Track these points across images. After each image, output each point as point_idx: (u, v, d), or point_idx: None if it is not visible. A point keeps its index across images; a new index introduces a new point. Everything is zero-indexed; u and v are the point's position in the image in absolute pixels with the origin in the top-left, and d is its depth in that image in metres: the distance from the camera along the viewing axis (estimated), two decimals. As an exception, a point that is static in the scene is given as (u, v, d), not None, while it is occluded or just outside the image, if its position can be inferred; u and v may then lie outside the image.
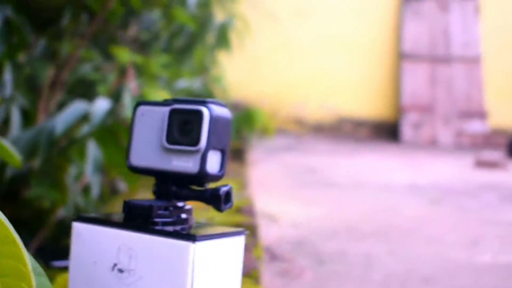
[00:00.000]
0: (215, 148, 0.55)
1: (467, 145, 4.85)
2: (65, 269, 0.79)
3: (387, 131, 5.19)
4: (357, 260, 1.65)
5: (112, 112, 1.46)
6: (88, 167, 1.40)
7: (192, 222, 0.58)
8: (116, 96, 1.60)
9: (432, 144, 4.89)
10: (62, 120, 1.40)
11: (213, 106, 0.55)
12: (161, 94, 1.57)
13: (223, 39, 2.58)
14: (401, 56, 5.19)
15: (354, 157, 4.02)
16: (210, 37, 2.61)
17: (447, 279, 1.53)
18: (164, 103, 0.57)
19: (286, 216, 2.13)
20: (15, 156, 0.95)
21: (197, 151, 0.54)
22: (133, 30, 2.31)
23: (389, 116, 5.26)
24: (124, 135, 1.41)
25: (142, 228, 0.54)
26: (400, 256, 1.74)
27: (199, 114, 0.54)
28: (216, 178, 0.56)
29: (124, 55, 1.82)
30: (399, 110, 5.15)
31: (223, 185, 0.56)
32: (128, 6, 2.04)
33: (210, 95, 2.51)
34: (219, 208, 0.56)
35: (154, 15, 2.30)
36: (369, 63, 5.37)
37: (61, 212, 1.50)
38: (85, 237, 0.57)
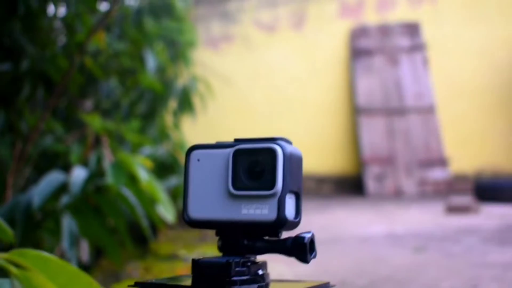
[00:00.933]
0: (291, 191, 0.50)
1: (431, 193, 4.90)
2: None
3: (351, 185, 5.21)
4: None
5: (91, 180, 1.41)
6: (64, 242, 1.33)
7: (269, 278, 0.52)
8: (87, 165, 1.54)
9: (397, 195, 4.92)
10: (38, 192, 1.31)
11: (284, 143, 0.50)
12: (140, 160, 1.50)
13: (186, 103, 2.52)
14: (357, 111, 5.25)
15: (324, 212, 3.98)
16: (172, 102, 2.57)
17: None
18: (223, 144, 0.52)
19: (274, 274, 2.00)
20: (7, 230, 0.87)
21: (273, 195, 0.49)
22: (91, 100, 2.26)
23: (351, 171, 5.30)
24: (105, 204, 1.37)
25: None
26: (403, 305, 1.65)
27: (272, 152, 0.49)
28: (293, 225, 0.51)
29: (96, 122, 1.77)
30: (360, 163, 5.18)
31: (303, 232, 0.50)
32: (86, 75, 2.02)
33: (175, 162, 2.43)
34: (304, 259, 0.50)
35: (112, 83, 2.25)
36: (326, 119, 5.44)
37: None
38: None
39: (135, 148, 1.99)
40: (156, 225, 1.82)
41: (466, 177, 5.11)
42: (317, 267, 2.17)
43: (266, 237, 0.52)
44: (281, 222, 0.49)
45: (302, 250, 0.50)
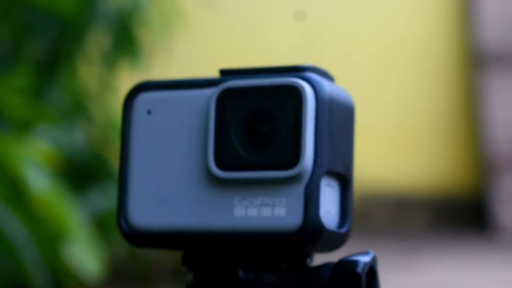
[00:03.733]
0: (330, 173, 0.55)
1: None
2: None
3: (463, 213, 5.37)
4: None
5: None
6: None
7: None
8: None
9: None
10: None
11: (318, 78, 0.55)
12: (33, 149, 1.64)
13: (124, 40, 2.65)
14: (478, 61, 5.37)
15: (408, 268, 4.17)
16: (98, 37, 2.69)
17: None
18: (198, 81, 0.57)
19: None
20: None
21: (295, 179, 0.53)
22: None
23: (463, 184, 5.45)
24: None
25: None
26: None
27: (295, 94, 0.54)
28: (336, 240, 0.57)
29: None
30: (483, 169, 5.32)
31: (355, 254, 0.54)
32: None
33: (101, 162, 2.64)
34: None
35: None
36: (415, 80, 5.56)
37: None
38: None
39: (20, 130, 2.09)
40: (62, 283, 1.96)
41: None
42: None
43: (282, 264, 0.57)
44: (312, 233, 0.53)
45: (353, 286, 0.53)
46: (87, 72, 2.73)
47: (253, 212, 0.53)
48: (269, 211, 0.53)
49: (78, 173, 2.40)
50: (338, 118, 0.55)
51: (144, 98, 0.57)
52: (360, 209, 5.54)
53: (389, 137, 5.49)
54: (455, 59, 5.47)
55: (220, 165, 0.54)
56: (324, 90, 0.54)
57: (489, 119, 5.22)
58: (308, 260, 0.57)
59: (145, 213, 0.56)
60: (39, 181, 1.46)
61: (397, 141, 5.48)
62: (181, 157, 0.55)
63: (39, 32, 2.41)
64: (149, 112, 0.56)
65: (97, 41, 2.64)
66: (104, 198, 2.35)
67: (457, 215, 5.37)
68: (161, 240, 0.57)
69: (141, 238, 0.58)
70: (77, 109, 2.61)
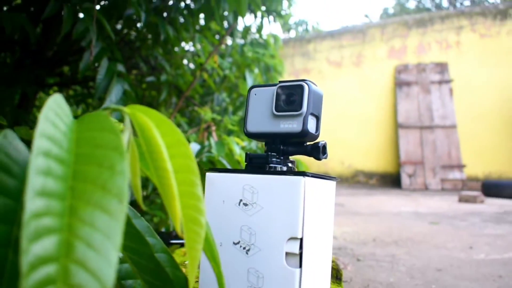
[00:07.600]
0: (312, 114, 0.78)
1: (450, 189, 7.44)
2: (180, 246, 1.35)
3: (391, 180, 7.92)
4: (385, 258, 2.16)
5: (201, 151, 1.93)
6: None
7: (294, 169, 0.80)
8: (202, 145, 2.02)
9: (424, 189, 7.41)
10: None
11: (310, 83, 0.78)
12: (235, 139, 2.03)
13: None
14: (398, 126, 7.79)
15: (369, 197, 5.91)
16: None
17: (455, 270, 2.00)
18: (270, 84, 0.81)
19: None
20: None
21: (300, 114, 0.76)
22: (208, 106, 3.11)
23: (391, 169, 7.94)
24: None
25: (262, 171, 0.76)
26: (416, 256, 2.22)
27: (302, 87, 0.77)
28: (314, 137, 0.80)
29: (208, 113, 2.60)
30: (398, 164, 7.74)
31: (320, 141, 0.78)
32: (205, 89, 2.97)
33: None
34: (318, 157, 0.77)
35: (222, 95, 3.20)
36: (376, 131, 8.08)
37: (162, 229, 2.11)
38: (216, 183, 0.79)
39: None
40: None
41: (477, 179, 7.92)
42: (359, 229, 3.21)
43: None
44: (304, 132, 0.74)
45: (316, 151, 0.73)
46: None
47: (286, 125, 0.68)
48: (291, 125, 0.69)
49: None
50: (316, 96, 0.71)
51: (254, 90, 0.73)
52: (353, 177, 7.95)
53: (366, 151, 7.98)
54: (390, 125, 8.08)
55: (277, 110, 0.69)
56: (311, 87, 0.70)
57: (400, 146, 7.64)
58: (305, 143, 0.72)
59: (251, 126, 0.71)
60: (237, 148, 1.63)
61: (369, 153, 8.00)
62: (264, 108, 0.70)
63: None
64: (255, 94, 0.71)
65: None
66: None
67: (389, 181, 7.85)
68: (257, 136, 0.70)
69: (250, 135, 0.69)
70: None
